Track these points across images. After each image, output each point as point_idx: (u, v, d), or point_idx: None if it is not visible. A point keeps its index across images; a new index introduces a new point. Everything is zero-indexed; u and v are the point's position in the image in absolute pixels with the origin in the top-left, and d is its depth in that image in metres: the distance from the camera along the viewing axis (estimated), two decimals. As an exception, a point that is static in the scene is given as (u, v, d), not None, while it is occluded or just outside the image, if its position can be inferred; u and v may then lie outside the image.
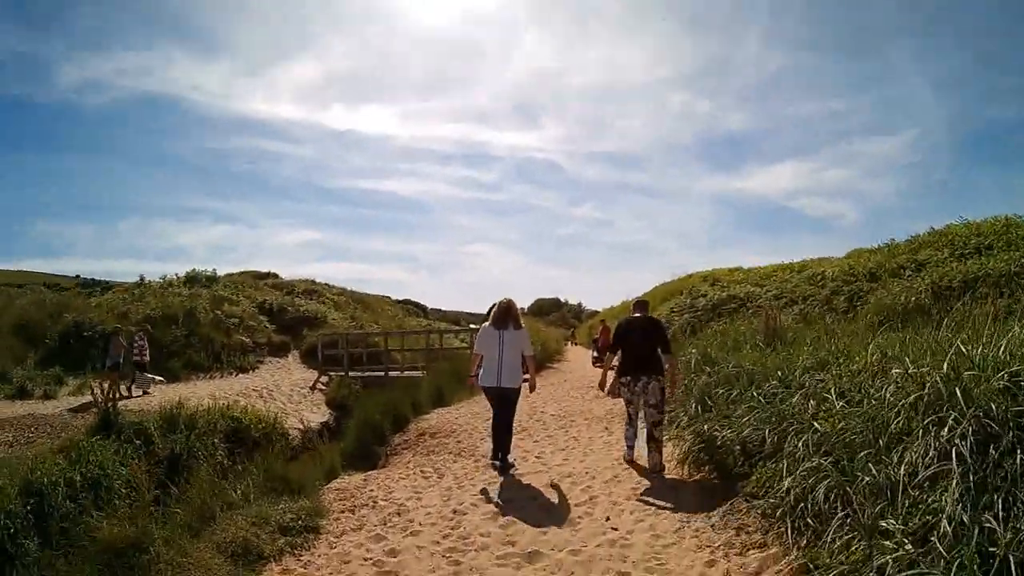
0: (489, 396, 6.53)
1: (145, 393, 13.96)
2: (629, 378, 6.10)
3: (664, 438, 6.16)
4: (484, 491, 5.91)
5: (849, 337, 6.38)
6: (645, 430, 6.07)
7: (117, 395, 13.02)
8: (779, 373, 5.44)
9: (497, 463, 6.57)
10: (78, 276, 39.30)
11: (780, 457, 4.14)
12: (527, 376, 6.74)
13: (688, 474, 5.67)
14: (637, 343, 6.12)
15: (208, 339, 18.73)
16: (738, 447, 4.86)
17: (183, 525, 5.45)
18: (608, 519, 4.87)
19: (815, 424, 3.98)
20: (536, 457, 7.07)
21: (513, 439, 6.86)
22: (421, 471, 7.12)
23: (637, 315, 6.42)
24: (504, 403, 6.45)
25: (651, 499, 5.22)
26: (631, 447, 6.32)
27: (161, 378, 15.47)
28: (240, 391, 14.93)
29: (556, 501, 5.47)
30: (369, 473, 7.68)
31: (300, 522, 5.63)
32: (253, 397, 14.63)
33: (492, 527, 4.99)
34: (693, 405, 6.17)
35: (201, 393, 13.56)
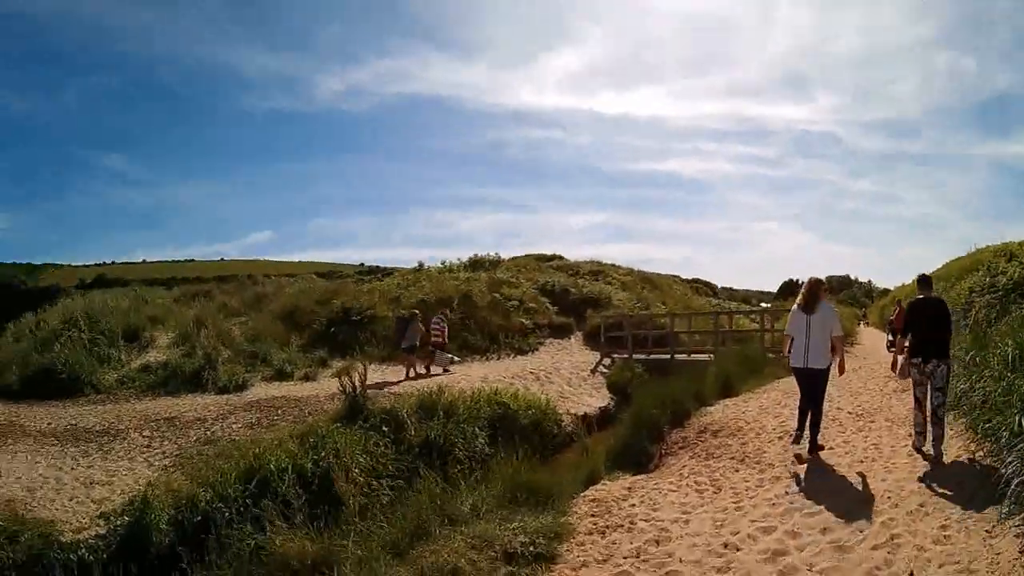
0: (797, 377, 6.79)
1: (445, 371, 14.55)
2: (920, 360, 6.11)
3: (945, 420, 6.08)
4: (767, 513, 5.31)
5: None
6: (929, 411, 6.03)
7: (414, 375, 13.75)
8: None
9: (798, 446, 6.70)
10: (361, 264, 44.54)
11: None
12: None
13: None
14: (928, 325, 6.13)
15: (485, 321, 19.24)
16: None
17: (387, 543, 4.58)
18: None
19: None
20: (831, 468, 6.32)
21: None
22: (695, 482, 6.64)
23: (922, 296, 6.43)
24: (811, 383, 6.61)
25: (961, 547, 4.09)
26: (920, 433, 6.21)
27: (458, 358, 16.33)
28: (516, 373, 14.79)
29: (850, 540, 4.57)
30: (636, 479, 7.15)
31: (532, 547, 4.83)
32: (529, 379, 14.36)
33: (769, 572, 4.24)
34: (1016, 418, 5.07)
35: (474, 375, 13.70)
